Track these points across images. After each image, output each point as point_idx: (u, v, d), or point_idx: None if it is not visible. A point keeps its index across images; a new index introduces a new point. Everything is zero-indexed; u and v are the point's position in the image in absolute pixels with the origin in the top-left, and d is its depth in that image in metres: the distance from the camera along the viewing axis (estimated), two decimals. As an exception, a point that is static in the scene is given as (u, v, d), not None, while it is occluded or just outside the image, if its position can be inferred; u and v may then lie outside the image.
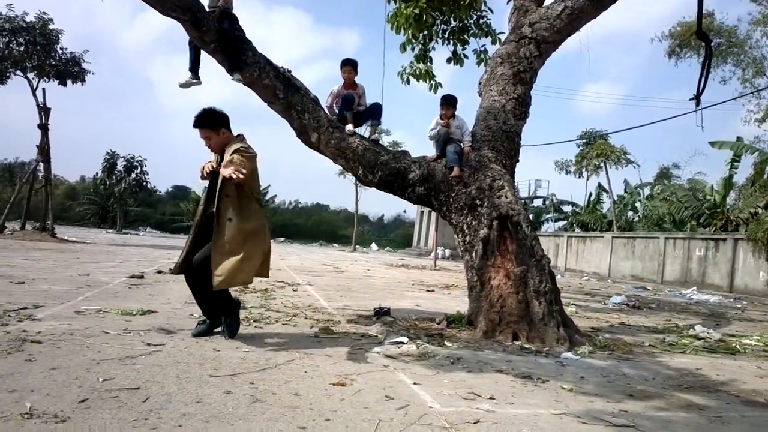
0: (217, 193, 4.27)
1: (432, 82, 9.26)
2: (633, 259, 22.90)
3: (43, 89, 20.10)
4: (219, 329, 4.49)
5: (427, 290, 10.92)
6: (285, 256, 20.23)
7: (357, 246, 42.66)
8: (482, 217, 5.71)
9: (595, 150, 30.21)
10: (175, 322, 4.90)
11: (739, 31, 24.36)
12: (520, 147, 6.84)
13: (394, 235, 65.27)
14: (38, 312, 4.85)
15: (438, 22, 8.77)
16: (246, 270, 4.26)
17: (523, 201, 6.28)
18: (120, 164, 41.89)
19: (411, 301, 8.57)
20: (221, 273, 4.14)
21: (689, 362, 4.98)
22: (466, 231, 5.85)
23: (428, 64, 9.22)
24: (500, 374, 3.90)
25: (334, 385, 3.29)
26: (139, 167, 42.08)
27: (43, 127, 19.71)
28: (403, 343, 4.72)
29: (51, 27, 20.04)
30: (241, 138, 4.54)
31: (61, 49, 20.48)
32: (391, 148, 6.79)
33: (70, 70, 20.71)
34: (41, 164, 20.02)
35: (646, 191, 33.29)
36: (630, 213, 33.12)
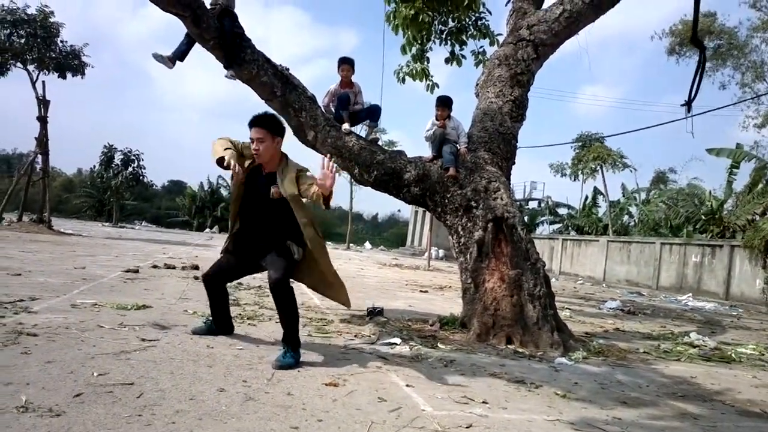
0: (290, 213, 4.01)
1: (428, 81, 9.27)
2: (628, 264, 22.94)
3: (43, 82, 20.04)
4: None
5: (421, 291, 10.93)
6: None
7: (351, 244, 42.61)
8: (477, 219, 5.73)
9: (592, 153, 30.24)
10: (170, 318, 4.91)
11: (740, 33, 24.34)
12: (517, 149, 6.87)
13: (388, 234, 65.19)
14: (34, 304, 4.85)
15: (436, 22, 8.79)
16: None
17: (518, 203, 6.30)
18: (117, 158, 41.73)
19: (404, 301, 8.58)
20: (345, 296, 4.38)
21: (684, 370, 5.01)
22: (461, 233, 5.87)
23: (425, 63, 9.23)
24: (493, 378, 3.92)
25: (326, 385, 3.31)
26: (136, 161, 41.91)
27: (42, 120, 19.64)
28: (395, 344, 4.74)
29: (52, 20, 19.95)
30: (288, 158, 4.22)
31: (61, 41, 20.40)
32: (386, 148, 6.80)
33: (70, 63, 20.63)
34: (39, 156, 19.95)
35: (643, 196, 33.34)
36: (626, 217, 33.18)
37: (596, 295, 14.98)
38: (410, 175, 6.09)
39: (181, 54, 5.88)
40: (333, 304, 7.10)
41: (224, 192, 52.73)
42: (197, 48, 5.89)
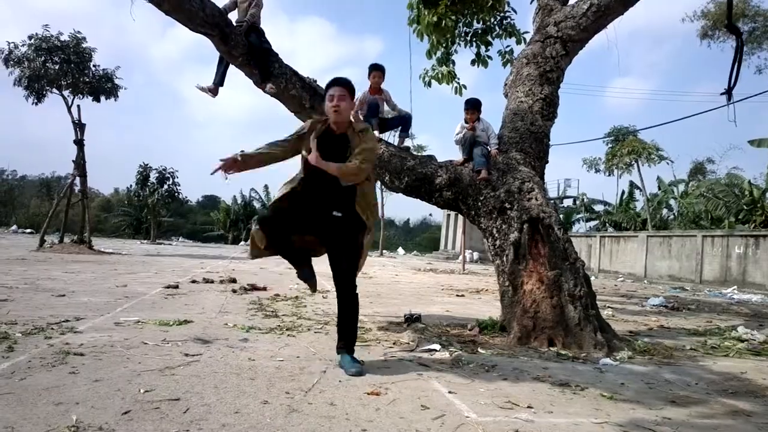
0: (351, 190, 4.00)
1: (455, 84, 9.23)
2: (669, 259, 22.40)
3: (78, 106, 20.68)
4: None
5: (457, 295, 10.85)
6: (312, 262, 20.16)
7: (384, 250, 42.70)
8: (512, 221, 5.66)
9: (627, 147, 29.69)
10: (211, 332, 4.97)
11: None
12: (549, 148, 6.77)
13: (421, 239, 65.07)
14: (79, 324, 4.97)
15: (460, 24, 8.75)
16: None
17: (553, 202, 6.19)
18: (153, 176, 42.77)
19: (441, 306, 8.53)
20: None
21: (733, 366, 4.84)
22: (496, 235, 5.81)
23: (451, 66, 9.19)
24: (537, 382, 3.85)
25: (368, 394, 3.29)
26: (170, 178, 42.93)
27: (79, 143, 20.23)
28: (435, 350, 4.70)
29: (84, 45, 20.63)
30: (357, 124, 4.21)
31: (94, 66, 21.07)
32: (416, 153, 6.78)
33: (103, 87, 21.27)
34: (78, 179, 20.53)
35: (681, 188, 32.57)
36: (665, 211, 32.44)
37: (638, 293, 14.66)
38: (442, 180, 6.06)
39: (220, 79, 6.13)
40: (370, 312, 7.13)
41: (257, 205, 53.49)
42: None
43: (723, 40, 23.44)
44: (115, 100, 21.78)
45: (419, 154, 6.79)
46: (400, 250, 49.91)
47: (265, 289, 9.09)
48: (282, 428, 2.62)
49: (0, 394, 2.84)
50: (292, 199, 4.07)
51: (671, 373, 4.39)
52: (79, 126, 20.34)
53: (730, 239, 19.78)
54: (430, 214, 74.04)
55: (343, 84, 4.05)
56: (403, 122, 6.50)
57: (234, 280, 10.18)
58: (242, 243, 44.84)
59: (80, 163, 20.20)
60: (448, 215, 44.25)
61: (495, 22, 8.89)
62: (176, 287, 8.64)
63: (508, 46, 9.13)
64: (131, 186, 44.22)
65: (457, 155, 6.36)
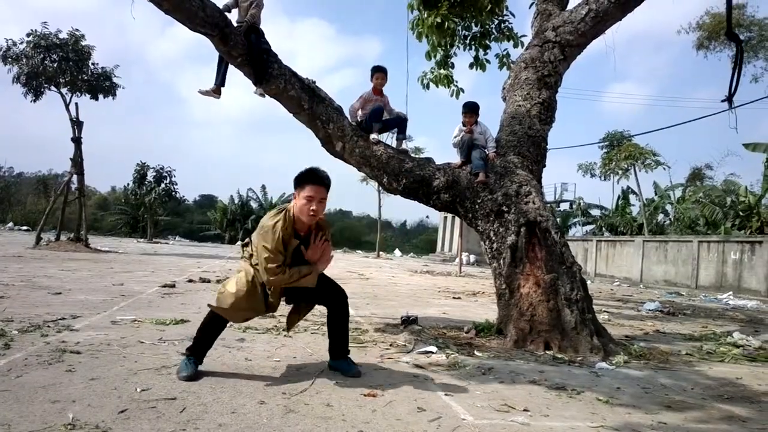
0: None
1: (453, 87, 9.25)
2: (666, 264, 22.44)
3: (76, 104, 20.60)
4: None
5: (454, 297, 10.86)
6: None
7: (381, 252, 42.67)
8: (509, 224, 5.67)
9: (623, 152, 29.73)
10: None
11: (772, 24, 23.55)
12: (547, 152, 6.79)
13: (418, 241, 65.01)
14: (76, 322, 4.97)
15: (459, 27, 8.77)
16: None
17: (549, 205, 6.17)
18: (150, 175, 42.68)
19: (437, 308, 8.53)
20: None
21: (728, 371, 4.87)
22: (493, 238, 5.82)
23: (449, 69, 9.22)
24: (533, 385, 3.86)
25: (365, 395, 3.30)
26: (168, 177, 42.84)
27: (77, 141, 20.19)
28: (432, 352, 4.71)
29: (83, 43, 20.55)
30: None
31: (92, 64, 20.99)
32: (414, 155, 6.79)
33: (102, 85, 21.20)
34: (75, 176, 20.48)
35: (677, 193, 32.63)
36: (661, 216, 32.50)
37: (634, 297, 14.68)
38: (439, 182, 6.07)
39: (221, 80, 6.14)
40: (366, 313, 7.13)
41: (254, 205, 53.41)
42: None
43: (719, 50, 23.56)
44: (113, 98, 21.71)
45: (417, 156, 6.80)
46: (397, 252, 49.87)
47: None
48: (278, 429, 2.63)
49: (-4, 392, 2.84)
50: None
51: (667, 377, 4.40)
52: (76, 124, 20.29)
53: (726, 245, 19.83)
54: (427, 216, 73.92)
55: (325, 184, 3.71)
56: (399, 124, 6.51)
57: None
58: (239, 243, 44.84)
59: (78, 161, 20.16)
60: (445, 217, 44.25)
61: (493, 26, 8.92)
62: (173, 286, 8.63)
63: (505, 49, 9.18)
64: (128, 184, 44.16)
65: (455, 158, 6.37)
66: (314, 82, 6.23)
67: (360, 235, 66.73)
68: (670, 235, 25.43)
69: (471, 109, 6.21)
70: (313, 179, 3.66)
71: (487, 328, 5.86)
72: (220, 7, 5.66)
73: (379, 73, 6.22)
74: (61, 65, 19.96)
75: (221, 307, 3.54)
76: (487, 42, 8.99)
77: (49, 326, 4.66)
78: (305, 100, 6.05)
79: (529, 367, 4.42)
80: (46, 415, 2.55)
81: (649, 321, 8.65)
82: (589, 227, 37.72)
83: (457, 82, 9.25)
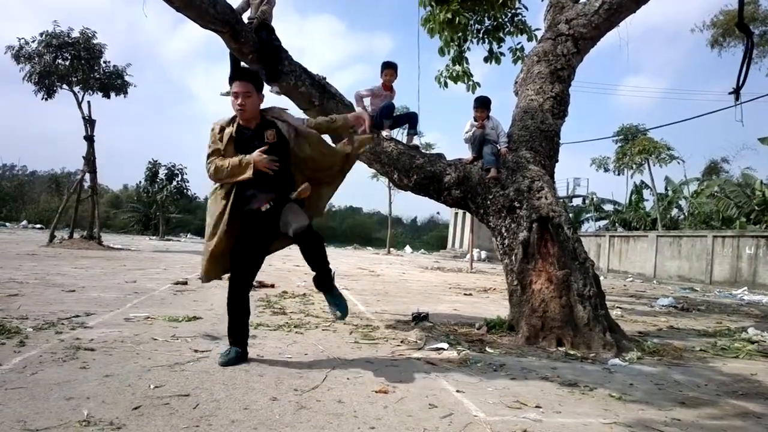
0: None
1: (470, 82, 9.22)
2: (679, 259, 22.26)
3: (88, 102, 20.73)
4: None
5: (465, 294, 10.84)
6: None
7: (391, 249, 42.68)
8: (521, 220, 5.64)
9: (638, 146, 29.50)
10: (220, 328, 4.98)
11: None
12: (559, 146, 6.74)
13: (428, 237, 65.00)
14: (89, 320, 5.00)
15: (472, 22, 8.73)
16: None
17: (562, 201, 6.13)
18: (162, 173, 42.96)
19: (449, 305, 8.52)
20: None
21: (743, 367, 4.81)
22: (505, 234, 5.79)
23: (465, 65, 9.18)
24: (545, 382, 3.84)
25: (376, 392, 3.30)
26: (180, 175, 43.12)
27: (89, 139, 20.32)
28: (443, 349, 4.70)
29: (95, 42, 20.69)
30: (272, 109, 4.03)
31: (104, 62, 21.14)
32: (424, 151, 6.77)
33: (114, 83, 21.33)
34: (87, 174, 20.63)
35: (692, 187, 32.33)
36: (675, 211, 32.22)
37: (647, 293, 14.58)
38: (450, 178, 6.05)
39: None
40: (377, 310, 7.14)
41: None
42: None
43: (734, 45, 23.30)
44: (125, 96, 21.85)
45: (428, 152, 6.78)
46: (408, 249, 49.88)
47: (273, 286, 9.11)
48: (290, 425, 2.63)
49: (12, 389, 2.87)
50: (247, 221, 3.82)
51: (681, 374, 4.36)
52: (89, 122, 20.42)
53: (741, 240, 19.63)
54: (438, 212, 73.89)
55: (246, 78, 3.84)
56: (409, 119, 6.51)
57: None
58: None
59: (90, 159, 20.29)
60: (456, 213, 44.20)
61: (506, 19, 8.87)
62: (185, 283, 8.68)
63: (519, 43, 9.11)
64: (140, 182, 44.51)
65: (466, 153, 6.34)
66: (324, 78, 6.24)
67: (370, 231, 66.81)
68: (684, 230, 25.21)
69: (483, 104, 6.17)
70: (234, 76, 3.85)
71: (498, 325, 5.84)
72: (235, 7, 5.68)
73: (389, 69, 6.19)
74: (73, 64, 20.10)
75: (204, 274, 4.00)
76: (501, 35, 8.94)
77: (63, 323, 4.70)
78: (315, 96, 6.06)
79: (541, 364, 4.40)
80: (61, 412, 2.58)
81: (663, 317, 8.58)
82: (602, 222, 37.56)
83: (473, 76, 9.23)
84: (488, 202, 5.94)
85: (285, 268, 13.47)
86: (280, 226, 3.78)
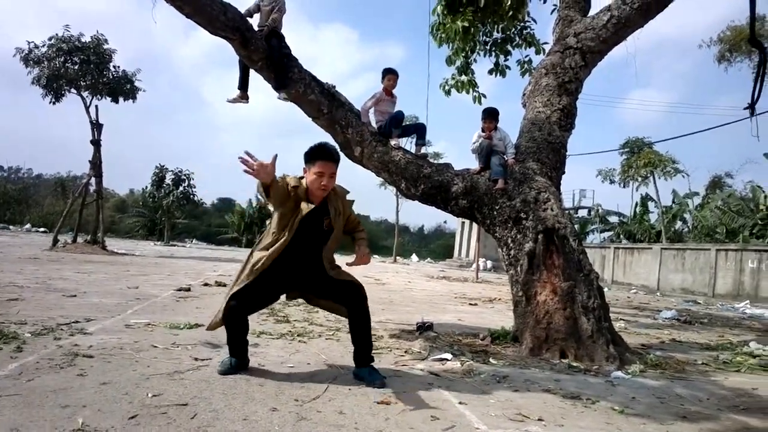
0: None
1: (475, 92, 9.21)
2: (683, 272, 22.14)
3: (96, 106, 20.81)
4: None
5: (470, 304, 10.78)
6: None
7: (397, 257, 42.60)
8: (527, 231, 5.60)
9: (643, 159, 29.43)
10: (221, 336, 4.90)
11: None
12: (566, 158, 6.72)
13: (435, 246, 64.92)
14: (89, 326, 4.97)
15: (481, 33, 8.74)
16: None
17: (567, 212, 6.10)
18: (168, 178, 43.07)
19: (453, 315, 8.47)
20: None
21: (745, 381, 4.76)
22: (511, 245, 5.75)
23: (470, 75, 9.17)
24: (548, 394, 3.80)
25: (378, 403, 3.25)
26: (186, 180, 43.22)
27: (96, 143, 20.38)
28: (447, 359, 4.65)
29: (105, 46, 20.78)
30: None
31: (114, 67, 21.21)
32: (432, 160, 6.75)
33: (122, 88, 21.38)
34: (93, 179, 20.67)
35: (696, 201, 32.22)
36: (679, 223, 32.09)
37: (651, 305, 14.49)
38: (458, 188, 6.02)
39: (244, 84, 6.17)
40: (382, 319, 7.09)
41: (272, 208, 53.64)
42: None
43: (740, 60, 23.22)
44: (134, 101, 21.91)
45: (436, 161, 6.76)
46: (414, 257, 49.78)
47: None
48: (290, 437, 2.59)
49: (7, 395, 2.83)
50: (274, 264, 3.79)
51: (683, 387, 4.31)
52: (96, 126, 20.49)
53: (744, 253, 19.53)
54: (445, 222, 73.90)
55: (333, 159, 3.81)
56: (417, 130, 6.52)
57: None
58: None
59: (96, 164, 20.35)
60: (463, 223, 44.12)
61: (515, 32, 8.86)
62: (188, 290, 8.65)
63: (527, 55, 9.10)
64: (146, 187, 44.62)
65: (473, 164, 6.31)
66: (334, 87, 6.23)
67: (377, 239, 66.75)
68: (688, 243, 25.10)
69: (490, 115, 6.16)
70: (322, 155, 3.78)
71: (502, 336, 5.80)
72: (242, 11, 5.69)
73: (390, 74, 6.21)
74: (82, 68, 20.18)
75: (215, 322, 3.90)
76: (509, 48, 8.94)
77: (62, 329, 4.67)
78: (324, 105, 6.05)
79: (544, 376, 4.35)
80: (55, 420, 2.54)
81: (666, 330, 8.51)
82: (607, 234, 37.39)
83: (478, 88, 9.21)
84: (495, 213, 5.91)
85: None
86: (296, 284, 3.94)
